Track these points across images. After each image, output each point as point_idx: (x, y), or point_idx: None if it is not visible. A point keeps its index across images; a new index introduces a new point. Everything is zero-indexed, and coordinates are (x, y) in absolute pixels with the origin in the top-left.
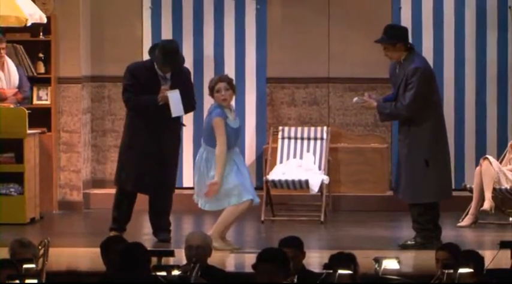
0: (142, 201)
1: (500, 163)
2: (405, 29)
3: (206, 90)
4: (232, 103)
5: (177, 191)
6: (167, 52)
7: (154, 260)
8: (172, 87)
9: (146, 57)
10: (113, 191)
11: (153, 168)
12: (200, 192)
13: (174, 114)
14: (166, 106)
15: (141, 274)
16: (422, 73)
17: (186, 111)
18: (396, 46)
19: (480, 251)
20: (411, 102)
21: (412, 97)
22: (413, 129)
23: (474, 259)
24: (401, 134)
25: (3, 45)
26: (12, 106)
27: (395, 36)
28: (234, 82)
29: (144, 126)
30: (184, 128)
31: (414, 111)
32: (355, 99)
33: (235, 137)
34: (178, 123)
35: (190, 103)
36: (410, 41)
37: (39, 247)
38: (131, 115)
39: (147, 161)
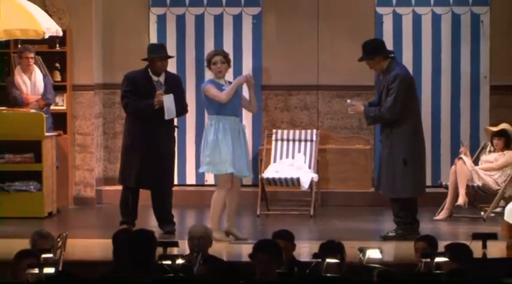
0: (147, 197)
1: (473, 160)
2: (379, 42)
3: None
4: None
5: (180, 187)
6: (153, 47)
7: (160, 250)
8: (166, 92)
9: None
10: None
11: (152, 165)
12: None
13: (167, 117)
14: (162, 110)
15: (148, 258)
16: (402, 79)
17: (179, 114)
18: (375, 59)
19: (457, 242)
20: (392, 104)
21: (393, 101)
22: (394, 131)
23: (459, 251)
24: (383, 136)
25: (32, 54)
26: (33, 111)
27: (371, 52)
28: (229, 56)
29: (142, 128)
30: (186, 131)
31: (395, 114)
32: (348, 100)
33: (231, 104)
34: (173, 125)
35: (182, 107)
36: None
37: (58, 239)
38: (130, 119)
39: (147, 160)
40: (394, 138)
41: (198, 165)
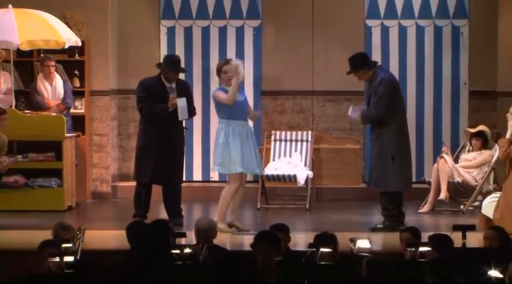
0: (157, 193)
1: (454, 159)
2: (362, 56)
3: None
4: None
5: (188, 183)
6: (171, 61)
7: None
8: (178, 96)
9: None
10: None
11: (165, 164)
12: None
13: (180, 118)
14: (174, 112)
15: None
16: (387, 82)
17: (190, 116)
18: (360, 72)
19: (438, 233)
20: (378, 102)
21: (379, 100)
22: (383, 131)
23: (440, 241)
24: (372, 136)
25: (53, 63)
26: (54, 114)
27: (356, 66)
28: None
29: (155, 130)
30: (193, 132)
31: (381, 112)
32: (350, 108)
33: (240, 109)
34: (182, 127)
35: (191, 110)
36: (378, 58)
37: (77, 231)
38: (144, 122)
39: (160, 158)
40: (382, 137)
41: (204, 163)
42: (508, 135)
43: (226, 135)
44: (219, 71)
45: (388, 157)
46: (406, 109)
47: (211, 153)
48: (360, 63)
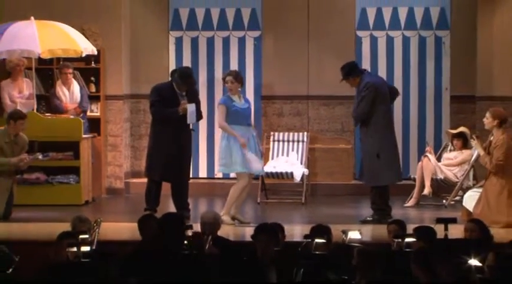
0: (166, 188)
1: (437, 158)
2: (351, 65)
3: (216, 102)
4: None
5: (194, 180)
6: (184, 75)
7: None
8: (187, 102)
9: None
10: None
11: (174, 162)
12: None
13: (189, 121)
14: (184, 116)
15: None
16: (371, 86)
17: (197, 120)
18: (350, 79)
19: (422, 225)
20: (361, 103)
21: (362, 102)
22: (369, 131)
23: (424, 233)
24: (362, 135)
25: (70, 70)
26: (72, 117)
27: (347, 73)
28: (240, 75)
29: (166, 132)
30: (199, 134)
31: (364, 112)
32: None
33: (243, 115)
34: (190, 129)
35: (198, 114)
36: (367, 66)
37: (93, 224)
38: (156, 124)
39: (169, 158)
40: (369, 136)
41: (209, 162)
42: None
43: (229, 138)
44: (223, 80)
45: (374, 154)
46: (393, 111)
47: (215, 152)
48: (349, 71)
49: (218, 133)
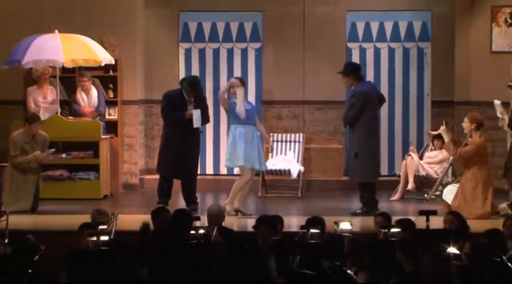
0: (178, 183)
1: (419, 156)
2: (357, 65)
3: (222, 106)
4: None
5: (201, 176)
6: (192, 83)
7: None
8: (195, 108)
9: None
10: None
11: (182, 161)
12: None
13: (195, 125)
14: (190, 120)
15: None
16: (360, 94)
17: (203, 123)
18: (349, 76)
19: (406, 217)
20: (350, 110)
21: (351, 108)
22: (354, 133)
23: (407, 224)
24: (350, 136)
25: (85, 79)
26: (90, 120)
27: (348, 70)
28: (243, 80)
29: (176, 133)
30: (207, 135)
31: (351, 117)
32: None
33: (247, 115)
34: (198, 131)
35: (206, 118)
36: (362, 71)
37: (111, 216)
38: (166, 127)
39: (178, 157)
40: (354, 137)
41: (215, 159)
42: (446, 140)
43: (234, 136)
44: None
45: (355, 153)
46: (380, 116)
47: (221, 152)
48: (352, 70)
49: (223, 134)
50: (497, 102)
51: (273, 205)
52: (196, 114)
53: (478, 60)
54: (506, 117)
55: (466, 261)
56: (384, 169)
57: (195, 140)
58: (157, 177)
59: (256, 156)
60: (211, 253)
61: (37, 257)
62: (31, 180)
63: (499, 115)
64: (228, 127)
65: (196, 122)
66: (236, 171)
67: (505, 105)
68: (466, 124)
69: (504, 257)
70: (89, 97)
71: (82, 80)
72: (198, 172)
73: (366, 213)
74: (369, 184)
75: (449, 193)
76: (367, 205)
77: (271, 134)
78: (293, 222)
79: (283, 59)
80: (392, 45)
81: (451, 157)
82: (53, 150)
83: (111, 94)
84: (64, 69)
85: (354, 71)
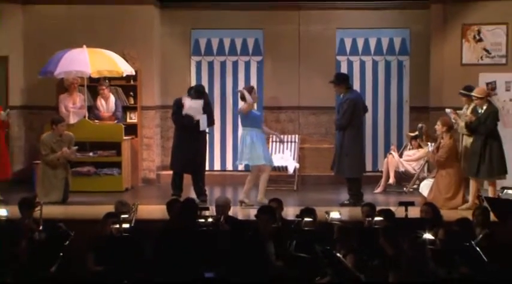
0: (188, 179)
1: (399, 155)
2: (346, 76)
3: (229, 111)
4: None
5: (209, 172)
6: (197, 92)
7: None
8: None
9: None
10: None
11: (191, 158)
12: (241, 154)
13: (201, 128)
14: (197, 123)
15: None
16: (350, 101)
17: (209, 125)
18: (340, 85)
19: (388, 207)
20: (343, 115)
21: (343, 114)
22: (343, 135)
23: (389, 213)
24: (339, 138)
25: (103, 87)
26: (114, 123)
27: (338, 79)
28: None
29: (185, 134)
30: (214, 135)
31: (344, 121)
32: None
33: (257, 120)
34: (205, 132)
35: (211, 121)
36: (350, 80)
37: (132, 206)
38: (177, 129)
39: (188, 154)
40: (343, 139)
41: (221, 157)
42: (430, 149)
43: (252, 136)
44: (249, 92)
45: (344, 153)
46: (365, 119)
47: (227, 150)
48: (342, 80)
49: (229, 135)
50: (448, 110)
51: (272, 197)
52: (202, 119)
53: (449, 71)
54: (460, 121)
55: (439, 246)
56: (368, 166)
57: (202, 140)
58: (171, 172)
59: (269, 154)
60: (218, 238)
61: (67, 242)
62: (61, 175)
63: (453, 120)
64: (233, 129)
65: (202, 125)
66: (240, 167)
67: (457, 109)
68: (438, 126)
69: (473, 242)
70: (107, 103)
71: (101, 88)
72: (207, 169)
73: (353, 203)
74: (356, 179)
75: (425, 187)
76: (354, 196)
77: (271, 135)
78: (289, 212)
79: (281, 70)
80: (376, 58)
81: (427, 157)
82: (77, 147)
83: (132, 101)
84: (91, 79)
85: (343, 81)
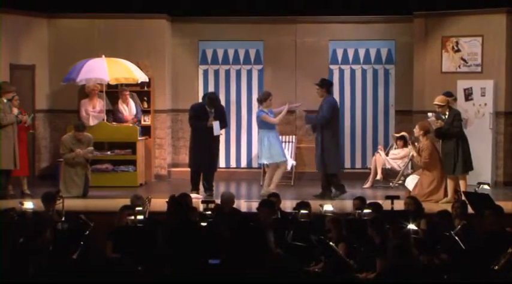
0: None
1: (386, 153)
2: (330, 82)
3: (233, 114)
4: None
5: (219, 169)
6: (211, 99)
7: (204, 205)
8: (215, 118)
9: (200, 100)
10: (184, 170)
11: (205, 158)
12: (261, 153)
13: (215, 134)
14: (211, 127)
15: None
16: (330, 104)
17: (221, 129)
18: (322, 88)
19: (376, 201)
20: (322, 116)
21: (323, 114)
22: (323, 135)
23: (377, 206)
24: (319, 137)
25: (126, 92)
26: (131, 125)
27: (323, 83)
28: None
29: (200, 137)
30: (230, 135)
31: (322, 121)
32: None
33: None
34: (218, 135)
35: (224, 125)
36: (333, 88)
37: (146, 200)
38: (193, 132)
39: (203, 155)
40: (323, 138)
41: (227, 157)
42: (414, 154)
43: (269, 137)
44: (265, 100)
45: (324, 151)
46: (354, 122)
47: (231, 149)
48: (325, 85)
49: (234, 137)
50: (430, 114)
51: (272, 192)
52: (215, 125)
53: (431, 78)
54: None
55: (421, 235)
56: (358, 164)
57: (216, 143)
58: (181, 169)
59: (284, 151)
60: (222, 229)
61: (87, 232)
62: (80, 172)
63: (436, 124)
64: (247, 130)
65: (216, 131)
66: (243, 164)
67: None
68: (416, 130)
69: (452, 232)
70: (128, 107)
71: (125, 94)
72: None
73: (340, 193)
74: (335, 174)
75: (411, 181)
76: (338, 187)
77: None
78: (287, 205)
79: (280, 78)
80: (365, 66)
81: (411, 153)
82: (92, 148)
83: (146, 105)
84: (109, 86)
85: (326, 85)
